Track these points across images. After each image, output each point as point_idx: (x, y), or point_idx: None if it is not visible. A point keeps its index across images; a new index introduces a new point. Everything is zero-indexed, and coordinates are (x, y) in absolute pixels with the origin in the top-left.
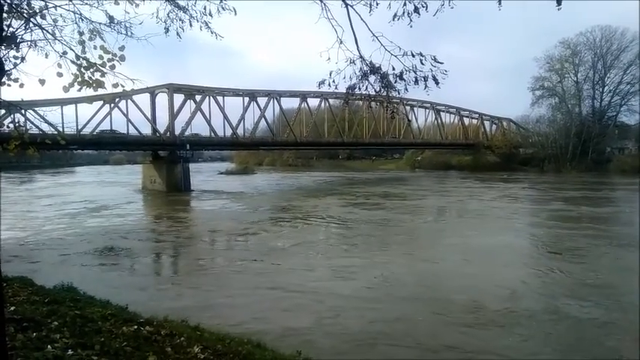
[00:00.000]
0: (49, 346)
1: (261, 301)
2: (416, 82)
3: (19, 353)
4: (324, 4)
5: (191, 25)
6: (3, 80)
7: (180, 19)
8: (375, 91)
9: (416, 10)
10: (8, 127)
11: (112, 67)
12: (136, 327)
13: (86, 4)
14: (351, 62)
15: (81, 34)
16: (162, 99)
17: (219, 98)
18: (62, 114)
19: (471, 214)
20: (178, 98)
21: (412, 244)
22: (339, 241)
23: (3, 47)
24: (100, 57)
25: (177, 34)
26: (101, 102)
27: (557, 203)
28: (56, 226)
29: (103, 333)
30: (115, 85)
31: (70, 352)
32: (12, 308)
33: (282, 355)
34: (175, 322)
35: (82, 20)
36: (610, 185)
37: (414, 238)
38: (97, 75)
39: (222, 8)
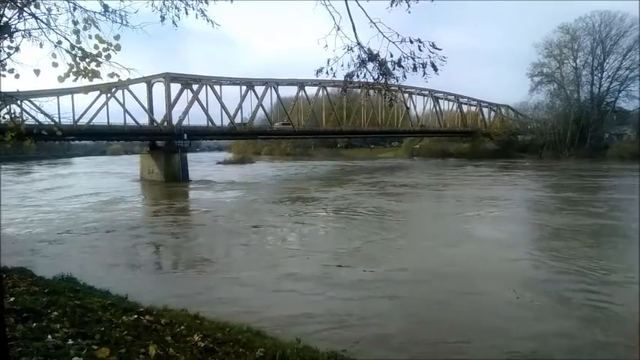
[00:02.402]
0: (49, 336)
1: None
2: (414, 68)
3: (19, 343)
4: None
5: (187, 13)
6: None
7: (175, 7)
8: (373, 78)
9: None
10: (4, 118)
11: (108, 57)
12: (135, 316)
13: None
14: (349, 49)
15: (75, 23)
16: (159, 89)
17: (217, 87)
18: (58, 104)
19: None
20: (175, 88)
21: None
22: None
23: None
24: (96, 46)
25: (173, 22)
26: (97, 92)
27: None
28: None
29: (103, 322)
30: (111, 75)
31: (70, 341)
32: (12, 299)
33: (282, 343)
34: (175, 311)
35: (77, 9)
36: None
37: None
38: (93, 65)
39: None
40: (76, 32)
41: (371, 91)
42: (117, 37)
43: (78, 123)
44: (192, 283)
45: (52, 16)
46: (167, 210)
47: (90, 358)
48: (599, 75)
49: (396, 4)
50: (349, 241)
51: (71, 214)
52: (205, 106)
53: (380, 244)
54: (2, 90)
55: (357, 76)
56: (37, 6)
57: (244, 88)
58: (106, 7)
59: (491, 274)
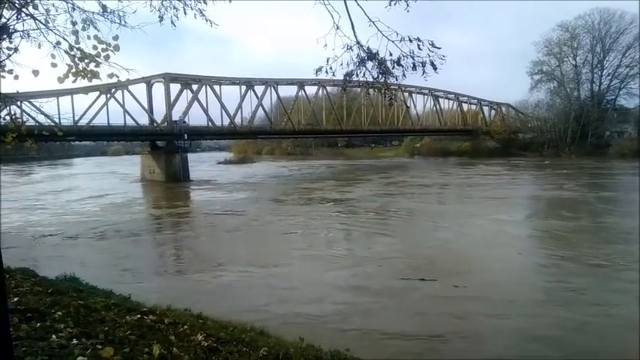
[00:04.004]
0: (53, 336)
1: None
2: (414, 67)
3: (23, 343)
4: None
5: (185, 13)
6: None
7: (174, 7)
8: (372, 77)
9: None
10: (4, 119)
11: (107, 57)
12: (139, 316)
13: None
14: (348, 48)
15: (74, 23)
16: (158, 89)
17: (216, 87)
18: (58, 105)
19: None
20: (175, 88)
21: None
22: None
23: None
24: (94, 47)
25: (172, 22)
26: (97, 93)
27: None
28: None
29: (107, 322)
30: (110, 76)
31: (74, 341)
32: (15, 299)
33: (285, 342)
34: (178, 311)
35: (75, 9)
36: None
37: None
38: (92, 65)
39: None
40: (75, 33)
41: (371, 90)
42: (115, 38)
43: (78, 124)
44: (265, 292)
45: (51, 16)
46: (195, 211)
47: (94, 357)
48: (599, 73)
49: (395, 3)
50: (409, 247)
51: (87, 216)
52: (205, 106)
53: (443, 249)
54: (2, 91)
55: (357, 75)
56: (35, 7)
57: (244, 87)
58: (104, 7)
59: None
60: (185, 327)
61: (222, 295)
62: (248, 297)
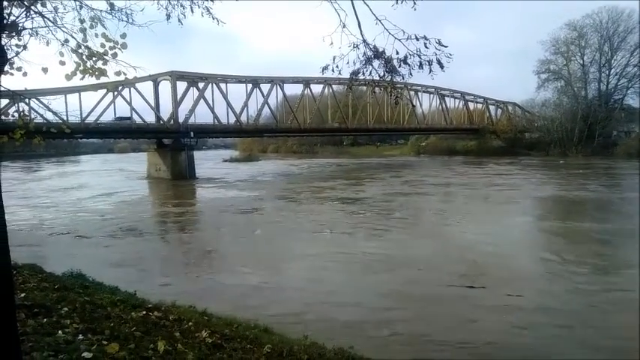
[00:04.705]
0: (59, 332)
1: None
2: (420, 66)
3: (30, 338)
4: None
5: (192, 11)
6: (6, 69)
7: (181, 6)
8: (378, 76)
9: None
10: (13, 116)
11: (114, 55)
12: (144, 312)
13: None
14: (354, 47)
15: (82, 21)
16: (165, 87)
17: (222, 85)
18: (66, 103)
19: None
20: (181, 86)
21: None
22: None
23: (4, 35)
24: (102, 45)
25: (179, 20)
26: (104, 90)
27: None
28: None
29: (113, 318)
30: (118, 74)
31: (80, 337)
32: (22, 295)
33: (289, 339)
34: (183, 308)
35: (83, 7)
36: None
37: None
38: (100, 63)
39: None
40: (83, 31)
41: (377, 89)
42: (123, 36)
43: (85, 121)
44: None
45: (59, 14)
46: (211, 209)
47: (100, 353)
48: (607, 72)
49: (402, 1)
50: (443, 249)
51: (100, 214)
52: (211, 104)
53: (481, 252)
54: (11, 88)
55: (363, 73)
56: (43, 4)
57: (250, 86)
58: (112, 5)
59: None
60: (190, 324)
61: (254, 296)
62: (286, 301)
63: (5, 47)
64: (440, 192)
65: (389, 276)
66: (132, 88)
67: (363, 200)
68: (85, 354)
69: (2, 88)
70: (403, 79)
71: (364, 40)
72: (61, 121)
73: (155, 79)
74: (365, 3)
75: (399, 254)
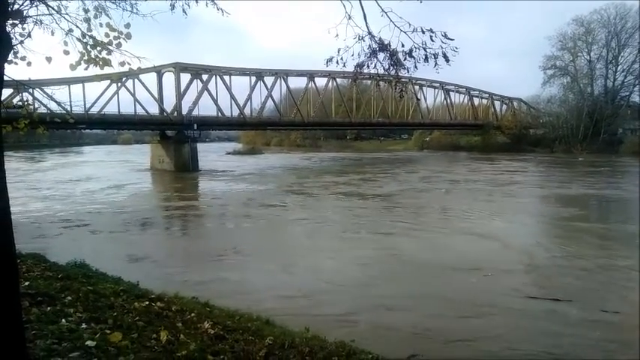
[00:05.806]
0: (63, 320)
1: None
2: (426, 59)
3: (33, 326)
4: None
5: (197, 1)
6: (10, 58)
7: None
8: (383, 68)
9: None
10: (17, 105)
11: (119, 45)
12: (147, 303)
13: None
14: (359, 39)
15: (86, 11)
16: (169, 78)
17: (226, 78)
18: (70, 93)
19: None
20: (185, 78)
21: None
22: None
23: (9, 23)
24: (106, 35)
25: (183, 10)
26: (108, 81)
27: None
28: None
29: (116, 308)
30: (122, 64)
31: (83, 325)
32: (26, 283)
33: (291, 331)
34: (186, 299)
35: None
36: None
37: None
38: (104, 53)
39: None
40: (87, 20)
41: (381, 83)
42: (127, 26)
43: (89, 112)
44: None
45: (63, 3)
46: (225, 203)
47: (103, 342)
48: (614, 69)
49: None
50: (502, 253)
51: (113, 207)
52: (215, 96)
53: (546, 257)
54: (15, 78)
55: (368, 66)
56: None
57: (254, 78)
58: None
59: None
60: (192, 315)
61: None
62: (334, 303)
63: (10, 34)
64: (463, 188)
65: (456, 283)
66: (135, 80)
67: (385, 197)
68: (89, 342)
69: (6, 78)
70: (408, 72)
71: (370, 33)
72: (64, 112)
73: (159, 71)
74: None
75: (454, 258)
